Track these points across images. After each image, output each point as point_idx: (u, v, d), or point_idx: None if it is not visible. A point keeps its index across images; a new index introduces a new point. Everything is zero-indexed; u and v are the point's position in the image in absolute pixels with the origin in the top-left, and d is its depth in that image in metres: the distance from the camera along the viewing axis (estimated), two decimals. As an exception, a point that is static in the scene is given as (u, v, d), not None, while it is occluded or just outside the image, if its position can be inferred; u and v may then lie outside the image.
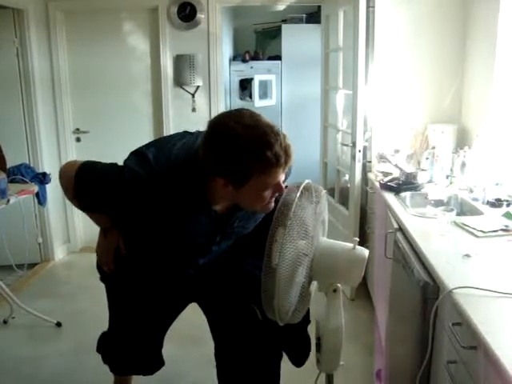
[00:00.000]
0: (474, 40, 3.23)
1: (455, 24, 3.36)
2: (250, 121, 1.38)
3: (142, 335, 2.03)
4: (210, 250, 1.70)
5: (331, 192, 4.02)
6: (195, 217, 1.54)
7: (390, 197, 2.76)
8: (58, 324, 3.24)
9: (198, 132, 1.68)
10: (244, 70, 5.44)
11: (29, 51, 3.99)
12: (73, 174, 1.60)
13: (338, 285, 1.39)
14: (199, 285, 1.88)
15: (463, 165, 2.88)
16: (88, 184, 1.60)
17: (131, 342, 2.05)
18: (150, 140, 1.72)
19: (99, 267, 1.95)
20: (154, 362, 2.09)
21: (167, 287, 1.89)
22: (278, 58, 5.46)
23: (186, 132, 1.73)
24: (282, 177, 1.42)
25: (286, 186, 1.41)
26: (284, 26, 5.40)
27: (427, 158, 3.08)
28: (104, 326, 2.11)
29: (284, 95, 5.50)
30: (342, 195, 3.91)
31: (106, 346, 2.20)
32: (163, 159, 1.52)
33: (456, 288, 1.51)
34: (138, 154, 1.58)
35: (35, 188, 3.25)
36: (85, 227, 4.52)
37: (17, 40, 3.97)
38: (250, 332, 1.83)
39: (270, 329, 1.74)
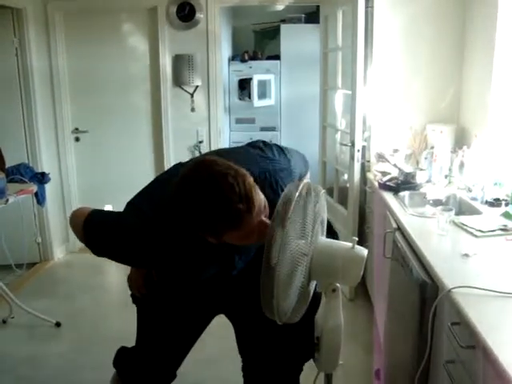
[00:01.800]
0: (473, 40, 3.23)
1: (454, 24, 3.36)
2: (205, 181, 1.29)
3: (170, 351, 2.03)
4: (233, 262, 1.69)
5: (330, 191, 4.03)
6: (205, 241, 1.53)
7: (388, 196, 2.76)
8: (58, 324, 3.24)
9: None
10: (243, 69, 5.43)
11: (28, 51, 4.00)
12: (81, 225, 1.59)
13: (337, 284, 1.39)
14: (229, 294, 1.87)
15: (462, 164, 2.88)
16: (98, 237, 1.59)
17: (158, 360, 2.04)
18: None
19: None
20: (171, 377, 2.10)
21: (200, 296, 1.88)
22: (277, 57, 5.46)
23: (180, 165, 1.70)
24: (261, 216, 1.34)
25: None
26: (283, 26, 5.40)
27: (426, 158, 3.09)
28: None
29: (283, 95, 5.50)
30: (340, 195, 3.91)
31: (128, 362, 2.20)
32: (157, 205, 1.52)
33: (455, 287, 1.51)
34: (134, 209, 1.59)
35: (34, 188, 3.25)
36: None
37: (16, 40, 3.97)
38: (278, 343, 1.83)
39: (296, 340, 1.75)
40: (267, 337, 1.84)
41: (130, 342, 2.24)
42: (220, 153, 1.69)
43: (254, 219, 1.31)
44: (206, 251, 1.50)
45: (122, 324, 3.21)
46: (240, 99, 5.50)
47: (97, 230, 1.59)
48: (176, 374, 2.10)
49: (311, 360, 1.64)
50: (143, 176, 4.39)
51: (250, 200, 1.29)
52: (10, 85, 4.03)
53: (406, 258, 1.99)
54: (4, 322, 3.27)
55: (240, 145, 1.86)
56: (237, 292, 1.82)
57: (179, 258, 1.55)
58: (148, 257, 1.57)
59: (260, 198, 1.33)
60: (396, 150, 3.39)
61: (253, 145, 1.73)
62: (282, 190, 1.34)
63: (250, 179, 1.32)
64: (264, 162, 1.59)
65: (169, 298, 1.91)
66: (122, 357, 2.24)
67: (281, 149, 1.71)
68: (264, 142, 1.73)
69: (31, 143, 4.17)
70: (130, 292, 1.99)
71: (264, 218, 1.35)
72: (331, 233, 1.73)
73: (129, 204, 1.61)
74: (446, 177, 2.97)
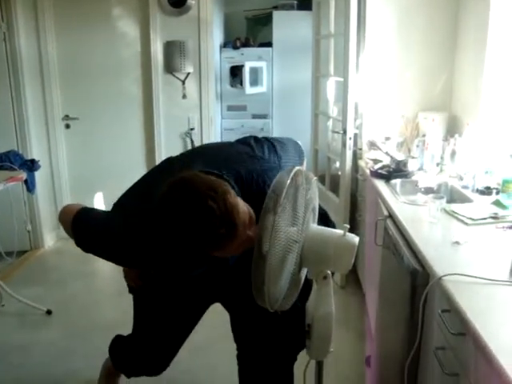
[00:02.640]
0: (466, 28, 3.22)
1: (447, 11, 3.35)
2: (184, 207, 1.24)
3: (166, 340, 2.03)
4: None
5: (322, 179, 4.03)
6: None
7: (380, 184, 2.76)
8: (49, 312, 3.23)
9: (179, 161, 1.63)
10: (235, 56, 5.40)
11: (16, 36, 3.95)
12: (70, 222, 1.59)
13: (328, 272, 1.39)
14: (226, 283, 1.87)
15: (453, 153, 2.88)
16: (85, 237, 1.59)
17: (154, 348, 2.04)
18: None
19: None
20: (166, 365, 2.10)
21: (195, 285, 1.88)
22: (269, 44, 5.43)
23: (168, 162, 1.66)
24: (246, 232, 1.31)
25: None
26: (275, 13, 5.36)
27: (418, 146, 3.09)
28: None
29: (275, 82, 5.48)
30: (332, 182, 3.92)
31: (123, 350, 2.20)
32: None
33: (445, 275, 1.51)
34: (121, 210, 1.58)
35: (24, 175, 3.22)
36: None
37: (4, 24, 3.91)
38: (273, 332, 1.84)
39: (291, 329, 1.76)
40: (262, 325, 1.84)
41: (122, 329, 2.25)
42: (207, 151, 1.66)
43: (239, 239, 1.29)
44: (195, 256, 1.48)
45: (113, 311, 3.22)
46: (232, 86, 5.46)
47: (84, 230, 1.59)
48: (169, 363, 2.11)
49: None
50: (134, 163, 4.45)
51: (232, 223, 1.25)
52: (-2, 71, 3.98)
53: (397, 245, 2.00)
54: (-6, 310, 3.26)
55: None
56: (232, 280, 1.81)
57: (166, 260, 1.56)
58: (134, 259, 1.57)
59: (243, 215, 1.29)
60: (388, 138, 3.39)
61: (243, 141, 1.68)
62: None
63: (232, 197, 1.27)
64: (252, 161, 1.55)
65: (164, 288, 1.91)
66: (118, 345, 2.25)
67: (272, 145, 1.65)
68: (255, 138, 1.68)
69: (20, 130, 4.13)
70: (125, 281, 1.99)
71: (249, 233, 1.32)
72: (328, 223, 1.72)
73: (116, 205, 1.60)
74: (437, 165, 2.97)
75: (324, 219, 1.56)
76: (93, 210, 1.69)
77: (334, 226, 1.75)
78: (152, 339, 2.03)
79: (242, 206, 1.31)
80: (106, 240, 1.54)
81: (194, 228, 1.23)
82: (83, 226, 1.59)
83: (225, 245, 1.28)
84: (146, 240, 1.44)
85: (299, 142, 1.85)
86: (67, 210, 1.66)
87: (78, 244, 1.59)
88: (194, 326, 2.04)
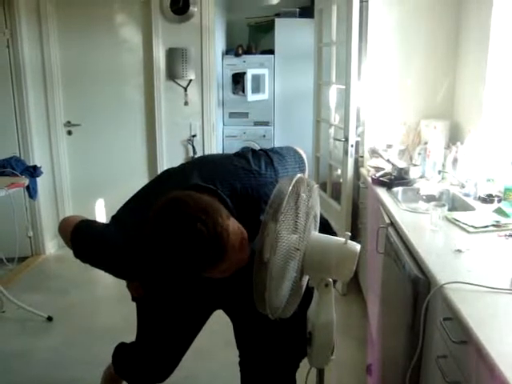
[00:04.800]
0: (467, 35, 3.23)
1: (448, 19, 3.35)
2: (174, 228, 1.24)
3: (170, 347, 2.03)
4: None
5: (323, 187, 4.03)
6: None
7: (382, 192, 2.76)
8: (49, 318, 3.22)
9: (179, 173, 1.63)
10: (237, 64, 5.41)
11: (19, 42, 3.96)
12: (69, 235, 1.60)
13: (330, 279, 1.39)
14: (228, 291, 1.86)
15: (455, 160, 2.88)
16: (83, 249, 1.60)
17: (158, 356, 2.04)
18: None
19: None
20: (169, 372, 2.10)
21: (198, 292, 1.88)
22: (271, 52, 5.44)
23: (167, 174, 1.67)
24: (237, 253, 1.30)
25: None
26: (277, 20, 5.37)
27: (419, 154, 3.09)
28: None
29: (277, 89, 5.48)
30: (334, 190, 3.92)
31: (127, 358, 2.20)
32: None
33: (447, 283, 1.51)
34: (118, 224, 1.58)
35: (26, 181, 3.23)
36: (76, 221, 4.49)
37: (7, 31, 3.93)
38: (275, 339, 1.83)
39: (294, 337, 1.75)
40: (264, 333, 1.83)
41: (123, 336, 2.24)
42: (204, 164, 1.64)
43: (228, 261, 1.28)
44: (187, 275, 1.47)
45: (114, 318, 3.21)
46: (234, 93, 5.47)
47: (82, 242, 1.60)
48: (173, 371, 2.10)
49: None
50: (136, 170, 4.46)
51: (221, 246, 1.24)
52: (0, 77, 3.99)
53: (398, 253, 2.00)
54: (-5, 316, 3.25)
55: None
56: (234, 288, 1.81)
57: (161, 274, 1.56)
58: (130, 271, 1.60)
59: (234, 237, 1.28)
60: (390, 146, 3.39)
61: (240, 154, 1.66)
62: (266, 205, 1.28)
63: (223, 219, 1.26)
64: (247, 176, 1.54)
65: (166, 296, 1.91)
66: (121, 352, 2.24)
67: (270, 159, 1.63)
68: (253, 152, 1.66)
69: (23, 136, 4.14)
70: (125, 288, 1.99)
71: (240, 255, 1.31)
72: (330, 233, 1.71)
73: (113, 218, 1.61)
74: (439, 172, 2.97)
75: (326, 229, 1.55)
76: (91, 222, 1.69)
77: (335, 236, 1.75)
78: (155, 347, 2.03)
79: (234, 228, 1.30)
80: (103, 252, 1.55)
81: (182, 249, 1.23)
82: (81, 238, 1.60)
83: (214, 267, 1.28)
84: (141, 254, 1.44)
85: (300, 151, 1.83)
86: (66, 223, 1.68)
87: (77, 255, 1.60)
88: (197, 333, 2.03)
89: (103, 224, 1.66)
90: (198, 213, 1.24)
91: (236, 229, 1.30)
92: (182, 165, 1.73)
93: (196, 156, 4.39)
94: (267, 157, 1.64)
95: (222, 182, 1.47)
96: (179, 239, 1.23)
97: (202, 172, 1.52)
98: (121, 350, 2.26)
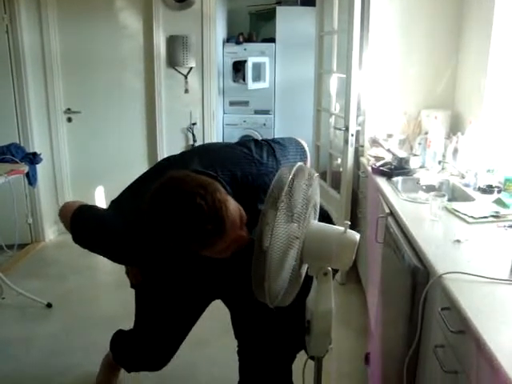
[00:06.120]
0: (469, 25, 3.21)
1: (450, 9, 3.33)
2: (172, 204, 1.25)
3: (168, 335, 2.04)
4: None
5: (323, 176, 4.03)
6: None
7: (381, 181, 2.76)
8: (49, 305, 3.24)
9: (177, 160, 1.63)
10: (237, 52, 5.39)
11: (19, 28, 3.94)
12: (69, 220, 1.62)
13: (329, 268, 1.39)
14: (226, 280, 1.87)
15: (455, 151, 2.88)
16: (82, 234, 1.62)
17: (156, 344, 2.05)
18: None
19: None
20: (167, 360, 2.11)
21: (196, 281, 1.88)
22: (272, 40, 5.42)
23: (167, 160, 1.67)
24: (236, 230, 1.31)
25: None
26: (278, 8, 5.35)
27: (420, 144, 3.08)
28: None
29: (277, 78, 5.47)
30: (334, 179, 3.91)
31: (125, 345, 2.21)
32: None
33: (446, 273, 1.51)
34: (117, 209, 1.59)
35: (25, 168, 3.22)
36: (75, 208, 4.49)
37: (6, 16, 3.90)
38: (273, 329, 1.84)
39: (291, 327, 1.76)
40: (262, 322, 1.84)
41: (122, 323, 2.25)
42: (205, 151, 1.65)
43: (227, 237, 1.29)
44: (187, 255, 1.47)
45: (113, 305, 3.23)
46: (234, 81, 5.46)
47: (81, 227, 1.61)
48: (170, 359, 2.12)
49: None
50: (136, 157, 4.45)
51: (221, 220, 1.25)
52: (0, 63, 3.97)
53: (398, 243, 2.00)
54: (-5, 302, 3.26)
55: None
56: (232, 277, 1.82)
57: (161, 258, 1.57)
58: (129, 256, 1.59)
59: (233, 213, 1.29)
60: (390, 135, 3.38)
61: (242, 143, 1.67)
62: (265, 195, 1.28)
63: (221, 194, 1.28)
64: (249, 164, 1.54)
65: (165, 283, 1.92)
66: (119, 339, 2.25)
67: (272, 149, 1.63)
68: (256, 142, 1.66)
69: (22, 123, 4.12)
70: (124, 275, 1.99)
71: (240, 232, 1.33)
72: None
73: (113, 202, 1.62)
74: (439, 163, 2.96)
75: (326, 221, 1.55)
76: (92, 207, 1.70)
77: None
78: (153, 334, 2.04)
79: (233, 204, 1.31)
80: (102, 237, 1.55)
81: (181, 223, 1.24)
82: (81, 223, 1.61)
83: (213, 242, 1.28)
84: (140, 238, 1.45)
85: (302, 142, 1.83)
86: (67, 207, 1.68)
87: (76, 240, 1.61)
88: (194, 322, 2.04)
89: (103, 209, 1.66)
90: (197, 188, 1.25)
91: (234, 206, 1.32)
92: (182, 152, 1.73)
93: (196, 144, 4.39)
94: (269, 147, 1.64)
95: (222, 168, 1.47)
96: (179, 213, 1.24)
97: (202, 159, 1.52)
98: (118, 337, 2.27)
